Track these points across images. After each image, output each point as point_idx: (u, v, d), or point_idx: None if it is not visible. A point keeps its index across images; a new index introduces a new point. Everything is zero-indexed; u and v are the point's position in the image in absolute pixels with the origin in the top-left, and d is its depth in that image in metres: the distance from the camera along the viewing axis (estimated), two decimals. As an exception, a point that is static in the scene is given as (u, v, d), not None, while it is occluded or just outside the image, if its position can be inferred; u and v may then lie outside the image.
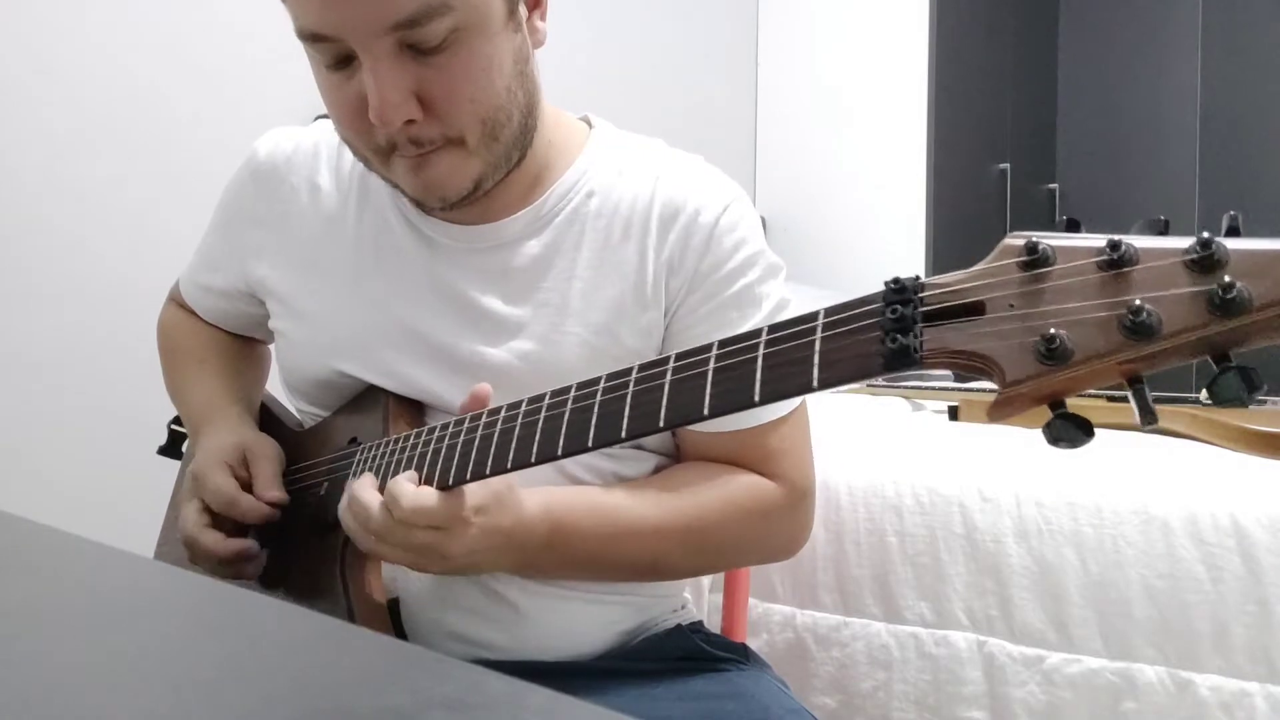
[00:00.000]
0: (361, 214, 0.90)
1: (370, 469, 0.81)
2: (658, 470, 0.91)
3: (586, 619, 0.88)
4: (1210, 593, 1.18)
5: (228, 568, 0.86)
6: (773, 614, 1.46)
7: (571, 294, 0.85)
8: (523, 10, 0.79)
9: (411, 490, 0.71)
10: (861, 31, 3.08)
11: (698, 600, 1.35)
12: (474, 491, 0.73)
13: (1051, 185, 3.66)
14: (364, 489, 0.75)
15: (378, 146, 0.78)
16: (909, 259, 2.96)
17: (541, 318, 0.85)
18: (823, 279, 2.73)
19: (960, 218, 3.11)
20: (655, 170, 0.88)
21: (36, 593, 0.41)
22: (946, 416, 1.85)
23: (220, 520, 0.87)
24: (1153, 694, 1.19)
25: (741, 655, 0.94)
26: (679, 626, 0.93)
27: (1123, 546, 1.23)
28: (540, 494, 0.79)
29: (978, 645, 1.30)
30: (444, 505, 0.71)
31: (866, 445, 1.53)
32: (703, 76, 2.98)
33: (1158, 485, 1.25)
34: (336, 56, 0.74)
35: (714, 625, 1.15)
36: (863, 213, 3.04)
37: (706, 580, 1.43)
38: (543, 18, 0.82)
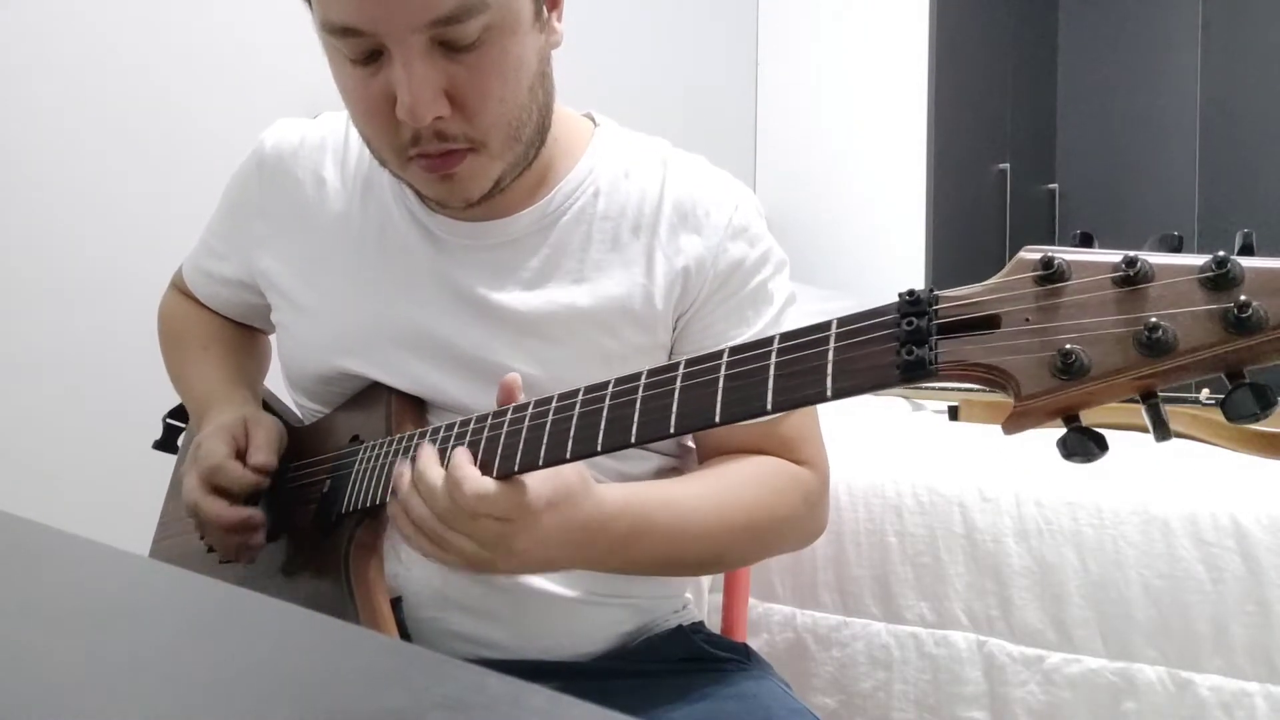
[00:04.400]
0: (366, 209, 0.90)
1: (375, 467, 0.80)
2: (659, 470, 0.91)
3: (588, 620, 0.88)
4: (1210, 593, 1.17)
5: (232, 537, 0.85)
6: (773, 614, 1.46)
7: (578, 292, 0.85)
8: (545, 11, 0.79)
9: (476, 475, 0.68)
10: (862, 31, 3.08)
11: (698, 600, 1.35)
12: (541, 482, 0.69)
13: (1051, 185, 3.65)
14: (430, 464, 0.70)
15: (399, 145, 0.77)
16: (909, 259, 2.95)
17: (548, 315, 0.85)
18: (823, 279, 2.73)
19: (960, 218, 3.11)
20: (662, 170, 0.89)
21: (36, 593, 0.41)
22: (946, 416, 1.85)
23: (227, 492, 0.85)
24: (1153, 694, 1.19)
25: (743, 656, 0.94)
26: (680, 627, 0.93)
27: (1123, 546, 1.23)
28: (619, 490, 0.77)
29: (978, 645, 1.30)
30: (506, 494, 0.68)
31: (866, 445, 1.53)
32: (703, 76, 2.98)
33: (1158, 485, 1.25)
34: (364, 51, 0.73)
35: (714, 625, 1.15)
36: (863, 213, 3.04)
37: (706, 580, 1.43)
38: (559, 19, 0.82)
